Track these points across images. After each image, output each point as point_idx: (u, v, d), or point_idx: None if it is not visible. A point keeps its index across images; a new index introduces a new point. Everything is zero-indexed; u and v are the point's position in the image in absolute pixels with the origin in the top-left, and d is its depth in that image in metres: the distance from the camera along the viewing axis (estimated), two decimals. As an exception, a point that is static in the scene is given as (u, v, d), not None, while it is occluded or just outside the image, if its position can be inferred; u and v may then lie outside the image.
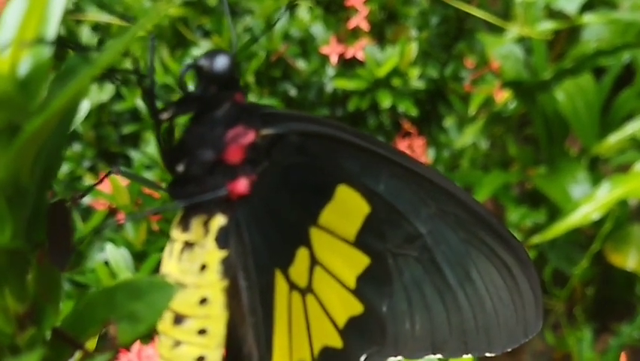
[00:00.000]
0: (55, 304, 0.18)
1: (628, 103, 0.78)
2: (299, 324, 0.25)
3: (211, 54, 0.23)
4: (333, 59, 0.64)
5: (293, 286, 0.25)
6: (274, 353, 0.25)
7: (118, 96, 0.67)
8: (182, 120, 0.23)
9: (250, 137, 0.23)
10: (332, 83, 0.66)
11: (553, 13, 0.78)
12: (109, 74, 0.24)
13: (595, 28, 0.79)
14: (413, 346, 0.26)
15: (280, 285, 0.25)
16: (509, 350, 0.26)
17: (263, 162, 0.23)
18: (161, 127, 0.23)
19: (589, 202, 0.68)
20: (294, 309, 0.25)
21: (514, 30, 0.74)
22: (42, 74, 0.15)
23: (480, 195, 0.72)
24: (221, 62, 0.23)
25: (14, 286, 0.17)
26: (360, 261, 0.25)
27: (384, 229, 0.25)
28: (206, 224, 0.23)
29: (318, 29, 0.66)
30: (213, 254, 0.23)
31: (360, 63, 0.64)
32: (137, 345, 0.37)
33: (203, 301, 0.23)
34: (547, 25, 0.74)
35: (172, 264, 0.23)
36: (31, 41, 0.15)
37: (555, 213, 0.74)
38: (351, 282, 0.25)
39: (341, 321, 0.26)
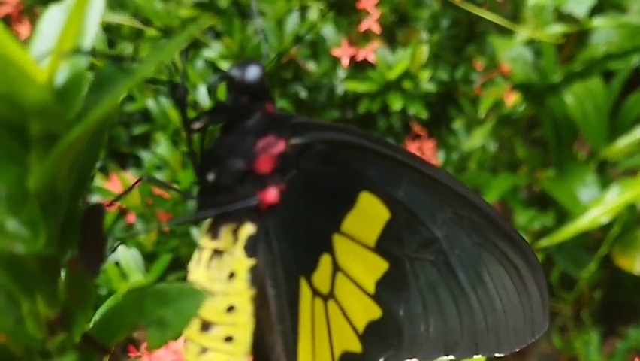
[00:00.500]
0: (86, 309, 0.18)
1: (637, 106, 0.78)
2: (321, 330, 0.25)
3: (242, 64, 0.23)
4: (344, 62, 0.64)
5: (316, 292, 0.25)
6: (298, 359, 0.25)
7: (129, 97, 0.67)
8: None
9: (280, 147, 0.23)
10: (343, 86, 0.66)
11: (562, 17, 0.78)
12: (145, 83, 0.24)
13: (604, 31, 0.79)
14: (427, 348, 0.27)
15: (305, 292, 0.25)
16: (517, 350, 0.27)
17: (291, 171, 0.24)
18: (193, 136, 0.23)
19: (597, 206, 0.68)
20: (317, 315, 0.25)
21: (523, 33, 0.74)
22: (79, 84, 0.15)
23: (488, 197, 0.72)
24: (253, 73, 0.23)
25: (46, 291, 0.17)
26: (380, 266, 0.26)
27: (403, 234, 0.26)
28: (235, 232, 0.23)
29: (329, 31, 0.66)
30: (242, 262, 0.23)
31: (371, 65, 0.64)
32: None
33: (231, 308, 0.23)
34: (557, 29, 0.74)
35: (200, 271, 0.23)
36: (70, 51, 0.15)
37: (563, 216, 0.74)
38: (371, 287, 0.26)
39: (360, 326, 0.26)
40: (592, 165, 0.77)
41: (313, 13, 0.67)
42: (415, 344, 0.27)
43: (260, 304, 0.24)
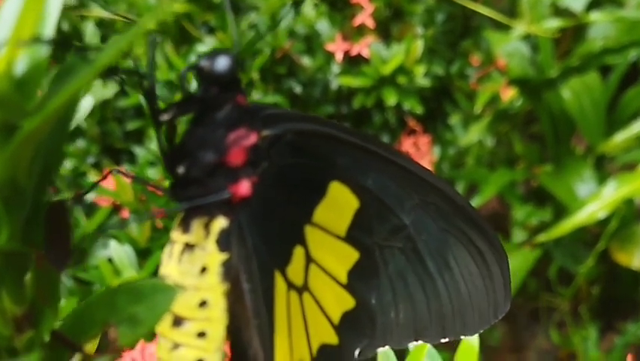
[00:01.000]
0: (54, 306, 0.18)
1: (634, 101, 0.77)
2: (297, 324, 0.25)
3: (212, 55, 0.23)
4: (339, 56, 0.64)
5: (290, 285, 0.25)
6: (276, 354, 0.25)
7: (122, 92, 0.67)
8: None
9: (252, 139, 0.23)
10: (337, 81, 0.65)
11: (559, 11, 0.78)
12: (109, 73, 0.24)
13: (601, 26, 0.78)
14: (398, 335, 0.27)
15: (279, 285, 0.25)
16: (481, 331, 0.28)
17: (263, 163, 0.23)
18: (162, 128, 0.22)
19: (595, 201, 0.68)
20: (293, 309, 0.25)
21: (520, 28, 0.73)
22: (39, 73, 0.15)
23: (485, 193, 0.72)
24: (223, 63, 0.22)
25: (12, 288, 0.17)
26: (351, 255, 0.26)
27: (373, 223, 0.26)
28: (207, 226, 0.23)
29: (323, 26, 0.65)
30: (214, 256, 0.23)
31: (366, 60, 0.64)
32: (140, 343, 0.37)
33: (203, 303, 0.23)
34: (554, 23, 0.74)
35: (172, 265, 0.23)
36: (28, 40, 0.14)
37: (561, 211, 0.74)
38: (343, 277, 0.26)
39: (336, 317, 0.26)
40: (589, 160, 0.77)
41: (308, 10, 0.66)
42: (386, 331, 0.27)
43: (235, 299, 0.23)
